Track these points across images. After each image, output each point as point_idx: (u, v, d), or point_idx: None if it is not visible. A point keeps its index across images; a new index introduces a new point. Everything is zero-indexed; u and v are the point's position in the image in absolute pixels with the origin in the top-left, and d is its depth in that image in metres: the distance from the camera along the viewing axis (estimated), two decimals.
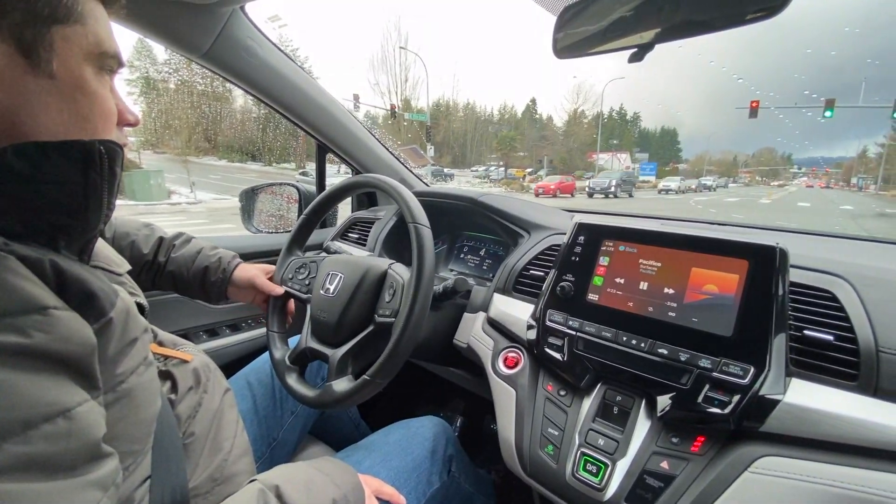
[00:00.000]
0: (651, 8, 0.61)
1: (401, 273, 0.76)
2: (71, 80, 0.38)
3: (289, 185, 1.41)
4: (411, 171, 1.49)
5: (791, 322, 0.58)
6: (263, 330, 1.26)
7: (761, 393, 0.54)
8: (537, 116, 59.73)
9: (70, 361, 0.33)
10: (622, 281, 0.69)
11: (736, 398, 0.55)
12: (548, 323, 0.74)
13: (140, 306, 0.51)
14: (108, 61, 0.41)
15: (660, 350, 0.62)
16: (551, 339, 0.73)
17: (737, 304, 0.58)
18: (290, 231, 0.95)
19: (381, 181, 0.80)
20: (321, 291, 0.80)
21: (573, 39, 0.66)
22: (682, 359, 0.60)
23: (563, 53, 0.66)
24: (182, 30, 0.90)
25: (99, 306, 0.38)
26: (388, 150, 1.41)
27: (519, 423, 0.71)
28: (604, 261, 0.73)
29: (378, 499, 0.63)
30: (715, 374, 0.57)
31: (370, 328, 0.74)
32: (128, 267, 0.55)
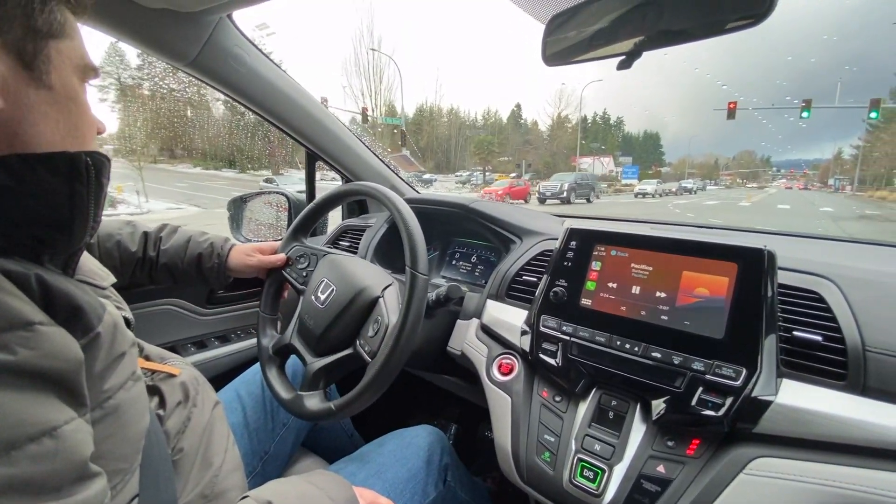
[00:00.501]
0: (638, 16, 0.63)
1: (390, 309, 0.75)
2: (65, 91, 0.39)
3: (278, 193, 1.40)
4: (401, 178, 1.49)
5: (780, 323, 0.59)
6: (254, 341, 1.25)
7: (754, 394, 0.54)
8: (522, 121, 60.34)
9: (56, 378, 0.32)
10: (614, 285, 0.70)
11: (729, 400, 0.55)
12: (542, 328, 0.74)
13: (126, 320, 0.50)
14: (89, 73, 0.42)
15: (653, 353, 0.62)
16: (545, 345, 0.73)
17: (727, 307, 0.59)
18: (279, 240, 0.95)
19: (391, 200, 0.78)
20: (312, 297, 0.81)
21: (562, 47, 0.67)
22: (676, 362, 0.60)
23: (552, 61, 0.67)
24: (168, 38, 0.89)
25: (86, 321, 0.38)
26: (377, 157, 1.41)
27: (515, 431, 0.71)
28: (596, 266, 0.73)
29: None
30: (708, 376, 0.57)
31: (349, 351, 0.75)
32: (112, 280, 0.54)
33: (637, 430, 0.62)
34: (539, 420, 0.70)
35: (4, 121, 0.35)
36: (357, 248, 1.20)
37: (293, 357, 0.88)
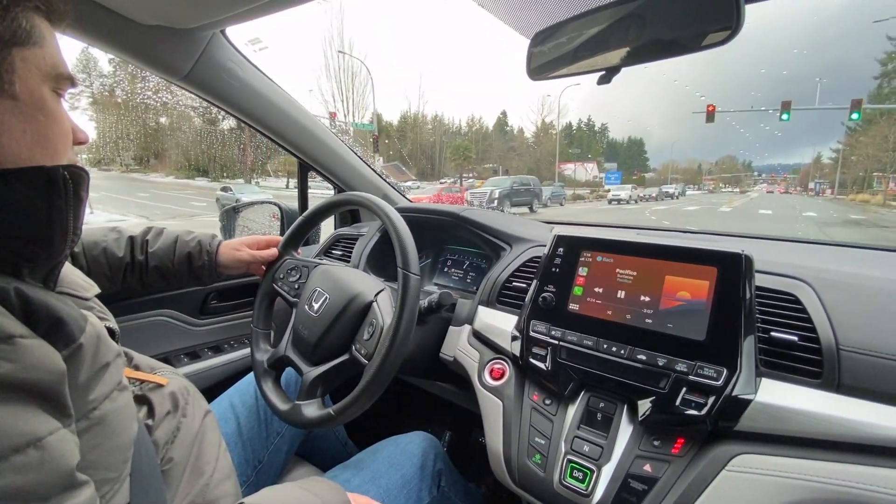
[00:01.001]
0: (620, 32, 0.65)
1: (384, 312, 0.77)
2: (32, 101, 0.38)
3: (270, 203, 1.41)
4: (393, 188, 1.51)
5: (759, 324, 0.61)
6: (247, 350, 1.25)
7: (734, 394, 0.56)
8: (508, 128, 60.81)
9: (39, 390, 0.33)
10: (601, 290, 0.72)
11: (711, 399, 0.57)
12: (531, 333, 0.76)
13: (110, 331, 0.50)
14: (62, 82, 0.42)
15: (639, 356, 0.64)
16: (535, 350, 0.75)
17: (708, 309, 0.61)
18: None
19: (381, 208, 0.80)
20: (305, 307, 0.82)
21: (546, 61, 0.70)
22: (660, 363, 0.62)
23: (536, 75, 0.70)
24: (163, 54, 0.91)
25: (68, 332, 0.38)
26: (370, 167, 1.43)
27: (507, 434, 0.72)
28: (583, 271, 0.75)
29: None
30: (691, 377, 0.59)
31: (345, 357, 0.76)
32: (96, 290, 0.54)
33: (624, 431, 0.64)
34: (530, 423, 0.71)
35: None
36: (350, 257, 1.21)
37: (288, 369, 0.88)
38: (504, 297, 0.89)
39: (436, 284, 1.27)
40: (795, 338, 0.59)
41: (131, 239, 0.86)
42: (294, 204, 1.43)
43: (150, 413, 0.57)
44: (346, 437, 1.08)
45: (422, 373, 1.01)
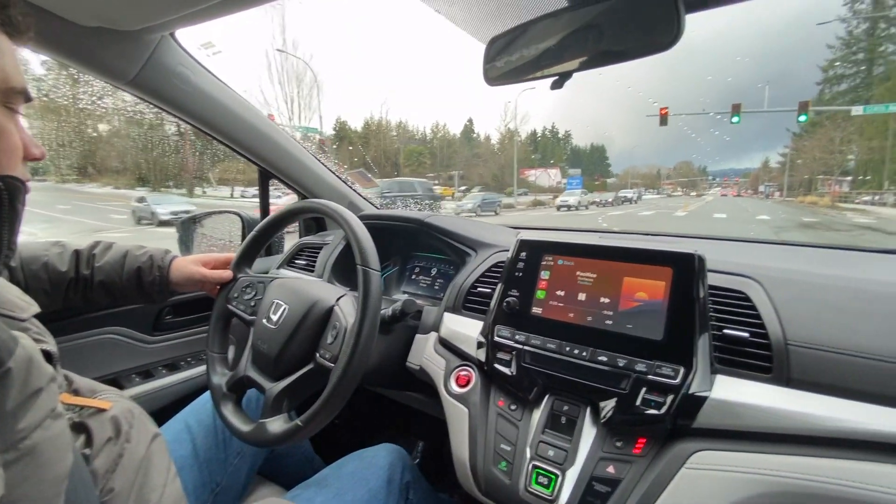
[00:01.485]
0: (577, 40, 0.66)
1: (346, 313, 0.75)
2: None
3: (231, 213, 1.36)
4: (359, 195, 1.49)
5: (712, 322, 0.63)
6: (204, 367, 1.19)
7: (691, 391, 0.57)
8: (474, 135, 61.66)
9: None
10: (562, 293, 0.72)
11: (670, 398, 0.58)
12: (496, 338, 0.75)
13: (47, 353, 0.47)
14: (14, 96, 0.40)
15: (600, 357, 0.65)
16: (500, 355, 0.74)
17: (665, 309, 0.63)
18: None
19: (335, 210, 0.78)
20: (264, 320, 0.78)
21: (503, 68, 0.70)
22: (621, 364, 0.63)
23: (494, 81, 0.70)
24: (106, 57, 0.86)
25: None
26: (334, 174, 1.40)
27: (472, 442, 0.71)
28: (545, 275, 0.75)
29: None
30: (650, 376, 0.60)
31: (310, 366, 0.73)
32: (35, 310, 0.50)
33: (588, 434, 0.64)
34: (496, 430, 0.71)
35: None
36: (314, 267, 1.18)
37: (250, 390, 0.84)
38: (470, 303, 0.88)
39: (404, 292, 1.25)
40: (747, 334, 0.60)
41: (76, 253, 0.82)
42: (253, 213, 1.39)
43: (89, 441, 0.53)
44: (312, 454, 1.05)
45: (389, 383, 0.99)
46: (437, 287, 1.20)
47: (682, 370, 0.59)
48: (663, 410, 0.58)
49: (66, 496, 0.42)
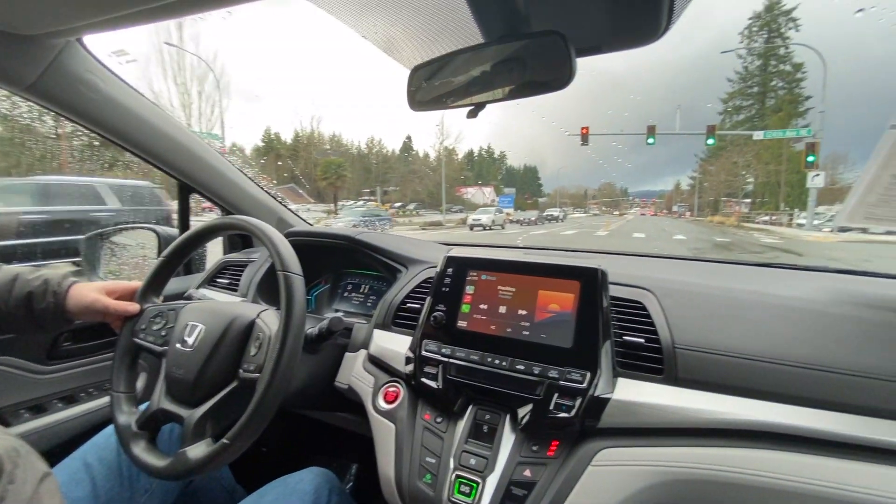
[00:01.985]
0: (494, 73, 0.72)
1: (269, 323, 0.72)
2: None
3: (145, 228, 1.27)
4: (291, 211, 1.45)
5: (615, 330, 0.70)
6: (107, 399, 1.08)
7: (596, 394, 0.63)
8: (413, 152, 62.70)
9: None
10: (485, 306, 0.76)
11: (578, 401, 0.63)
12: (423, 353, 0.77)
13: None
14: None
15: (518, 366, 0.69)
16: (427, 369, 0.76)
17: (574, 319, 0.69)
18: None
19: (248, 223, 0.77)
20: (178, 345, 0.73)
21: (425, 96, 0.74)
22: (536, 372, 0.67)
23: (418, 107, 0.74)
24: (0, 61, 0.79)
25: None
26: (262, 189, 1.36)
27: (398, 458, 0.72)
28: (470, 289, 0.79)
29: None
30: (561, 382, 0.65)
31: (233, 385, 0.69)
32: None
33: (507, 440, 0.68)
34: (422, 443, 0.72)
35: None
36: (238, 286, 1.13)
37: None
38: (399, 319, 0.90)
39: (336, 310, 1.24)
40: (643, 340, 0.68)
41: None
42: (171, 229, 1.30)
43: None
44: (233, 483, 0.98)
45: (318, 404, 0.97)
46: (369, 304, 1.20)
47: (588, 375, 0.64)
48: (573, 413, 0.63)
49: None
